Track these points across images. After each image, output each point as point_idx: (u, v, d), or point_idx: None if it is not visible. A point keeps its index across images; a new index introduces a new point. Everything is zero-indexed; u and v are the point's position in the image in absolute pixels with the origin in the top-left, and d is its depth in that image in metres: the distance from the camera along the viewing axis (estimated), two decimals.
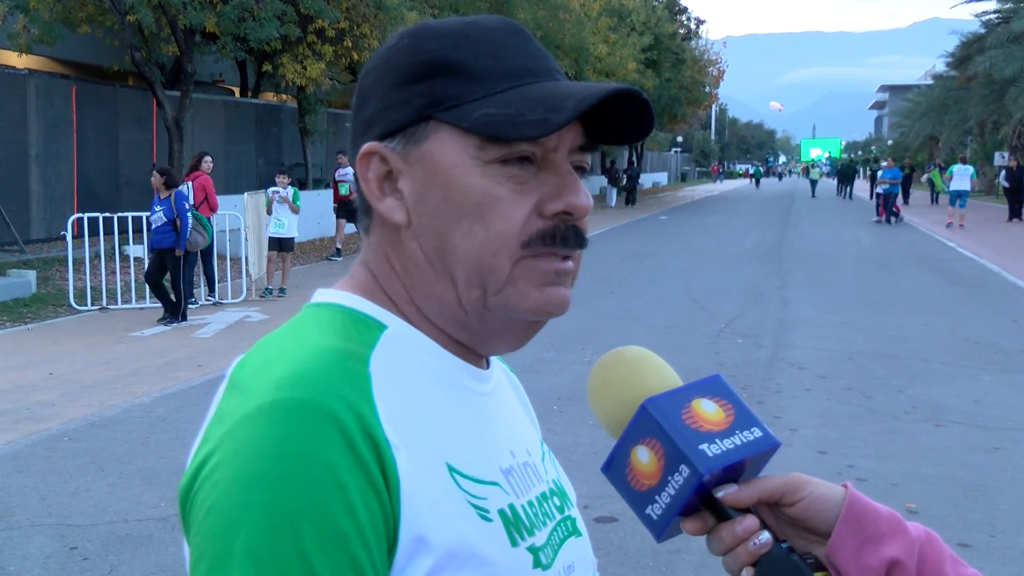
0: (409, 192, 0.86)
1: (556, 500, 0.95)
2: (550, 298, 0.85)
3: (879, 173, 29.24)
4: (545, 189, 0.84)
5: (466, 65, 0.84)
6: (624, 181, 38.71)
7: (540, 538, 0.88)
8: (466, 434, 0.86)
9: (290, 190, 12.61)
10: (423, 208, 0.85)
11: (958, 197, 24.94)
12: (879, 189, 28.57)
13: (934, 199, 37.63)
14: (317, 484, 0.72)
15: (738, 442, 0.83)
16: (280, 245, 12.55)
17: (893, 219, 27.37)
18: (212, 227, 11.43)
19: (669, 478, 0.81)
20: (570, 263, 0.86)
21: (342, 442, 0.74)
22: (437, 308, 0.87)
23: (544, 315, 0.86)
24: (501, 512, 0.84)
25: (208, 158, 12.23)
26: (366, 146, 0.87)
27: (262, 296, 12.41)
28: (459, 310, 0.86)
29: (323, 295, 0.91)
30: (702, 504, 0.83)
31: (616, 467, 0.85)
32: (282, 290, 12.45)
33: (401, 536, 0.76)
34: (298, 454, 0.72)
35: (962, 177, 25.15)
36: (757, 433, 0.84)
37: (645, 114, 0.86)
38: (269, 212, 12.47)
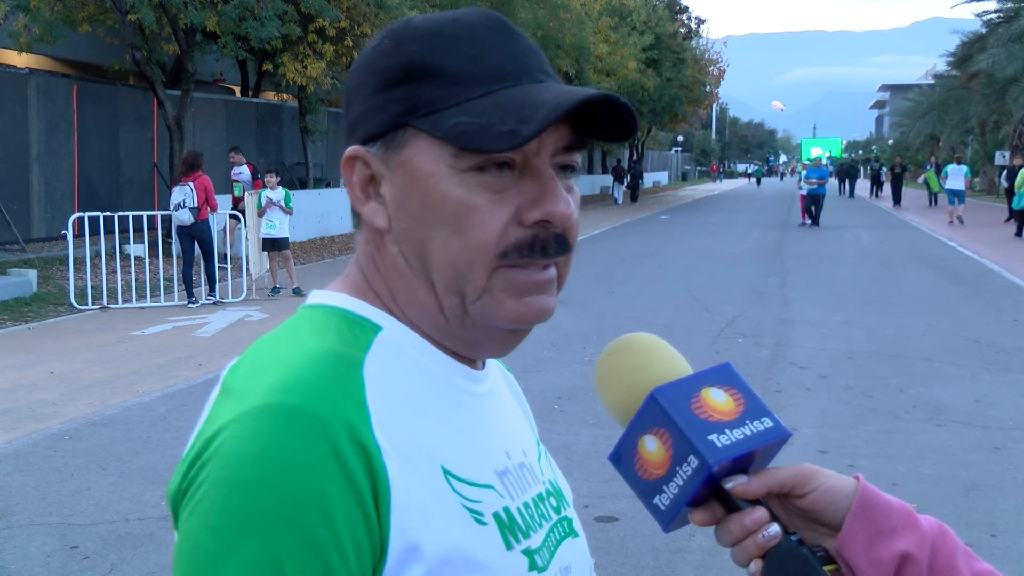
0: (390, 197, 0.85)
1: (552, 501, 0.94)
2: (529, 308, 0.84)
3: (803, 172, 26.20)
4: (525, 196, 0.83)
5: (443, 68, 0.83)
6: (628, 179, 39.84)
7: (536, 540, 0.87)
8: (460, 436, 0.85)
9: (281, 191, 12.55)
10: (403, 214, 0.85)
11: (955, 195, 25.81)
12: (803, 190, 25.76)
13: (932, 201, 36.09)
14: (296, 491, 0.71)
15: (748, 432, 0.82)
16: (275, 245, 12.52)
17: (809, 223, 25.18)
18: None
19: (677, 468, 0.80)
20: (552, 271, 0.85)
21: (327, 450, 0.73)
22: (418, 313, 0.87)
23: (523, 324, 0.85)
24: (496, 515, 0.84)
25: (202, 157, 12.15)
26: (349, 150, 0.87)
27: (270, 296, 12.42)
28: (440, 317, 0.86)
29: (317, 296, 0.91)
30: (711, 495, 0.82)
31: (624, 456, 0.84)
32: (297, 289, 12.39)
33: (391, 545, 0.75)
34: (280, 460, 0.72)
35: (956, 176, 25.98)
36: (767, 423, 0.83)
37: (625, 115, 0.84)
38: (261, 215, 12.43)
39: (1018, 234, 22.82)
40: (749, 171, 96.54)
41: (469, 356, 0.90)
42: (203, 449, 0.76)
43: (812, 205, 25.14)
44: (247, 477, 0.72)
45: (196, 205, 11.43)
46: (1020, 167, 23.96)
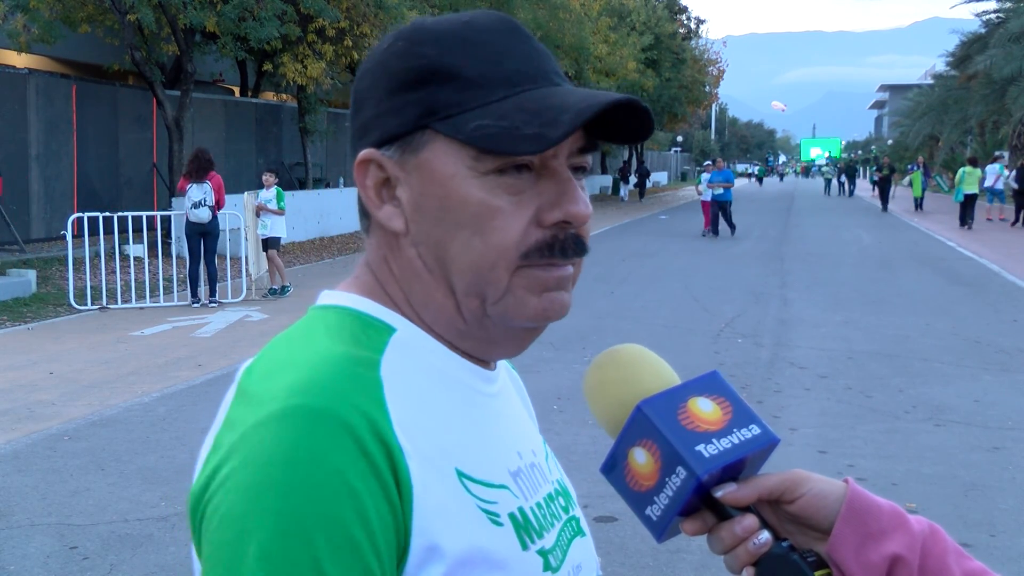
0: (407, 200, 0.85)
1: (561, 501, 0.94)
2: (550, 304, 0.84)
3: (706, 175, 22.86)
4: (544, 198, 0.83)
5: (462, 71, 0.83)
6: (636, 178, 41.68)
7: (549, 540, 0.87)
8: (475, 437, 0.85)
9: (273, 191, 12.54)
10: (421, 217, 0.84)
11: (994, 195, 26.88)
12: (706, 195, 22.41)
13: (918, 204, 32.77)
14: (329, 491, 0.72)
15: (736, 441, 0.82)
16: (265, 244, 12.51)
17: (714, 233, 22.22)
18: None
19: (667, 479, 0.81)
20: (570, 268, 0.86)
21: (355, 449, 0.73)
22: (435, 315, 0.87)
23: (544, 321, 0.86)
24: (511, 516, 0.84)
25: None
26: (363, 153, 0.86)
27: (265, 296, 12.41)
28: (458, 318, 0.86)
29: (328, 297, 0.90)
30: (702, 503, 0.83)
31: (615, 468, 0.85)
32: (284, 288, 12.37)
33: (413, 544, 0.75)
34: (310, 461, 0.72)
35: (992, 176, 26.83)
36: (755, 430, 0.84)
37: (644, 118, 0.85)
38: (257, 215, 12.45)
39: (962, 223, 23.78)
40: (750, 171, 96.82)
41: (484, 357, 0.90)
42: (227, 455, 0.75)
43: (719, 212, 22.17)
44: (279, 480, 0.72)
45: (213, 203, 11.43)
46: (966, 165, 25.30)
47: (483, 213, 0.82)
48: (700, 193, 23.12)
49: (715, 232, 22.25)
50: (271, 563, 0.71)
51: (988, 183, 26.51)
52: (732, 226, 22.36)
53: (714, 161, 24.50)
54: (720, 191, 21.92)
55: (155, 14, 16.03)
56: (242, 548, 0.72)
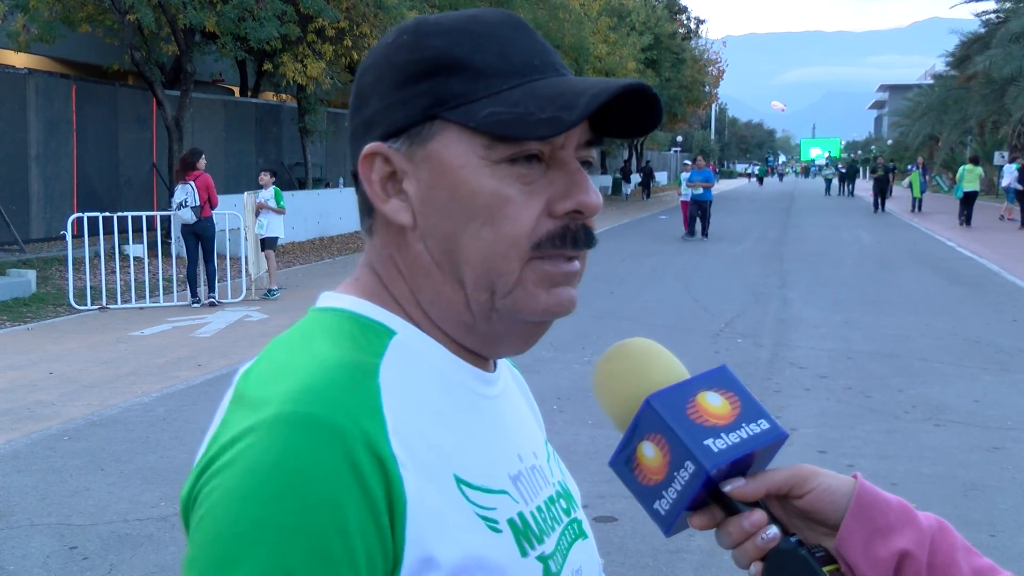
0: (415, 193, 0.84)
1: (563, 503, 0.94)
2: (559, 299, 0.84)
3: (685, 175, 22.08)
4: (554, 188, 0.82)
5: (471, 62, 0.82)
6: (640, 178, 42.73)
7: (549, 545, 0.87)
8: (475, 442, 0.84)
9: (271, 190, 12.55)
10: (429, 209, 0.83)
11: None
12: (685, 195, 21.70)
13: (915, 206, 32.06)
14: (312, 503, 0.70)
15: (744, 435, 0.82)
16: (262, 244, 12.52)
17: (698, 234, 21.56)
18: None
19: (675, 474, 0.81)
20: (577, 263, 0.85)
21: (344, 461, 0.72)
22: (443, 311, 0.85)
23: (552, 316, 0.85)
24: (510, 522, 0.83)
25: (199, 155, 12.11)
26: (368, 147, 0.85)
27: (264, 297, 12.41)
28: (466, 313, 0.84)
29: (328, 299, 0.89)
30: (710, 498, 0.82)
31: (623, 462, 0.84)
32: (270, 291, 12.31)
33: (406, 556, 0.74)
34: (296, 471, 0.71)
35: (1008, 175, 27.03)
36: (764, 425, 0.83)
37: (653, 108, 0.84)
38: (258, 213, 12.45)
39: (967, 222, 24.06)
40: (750, 171, 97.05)
41: (489, 354, 0.89)
42: (216, 457, 0.75)
43: (698, 213, 21.40)
44: (262, 487, 0.71)
45: (198, 204, 11.41)
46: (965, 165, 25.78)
47: (494, 203, 0.81)
48: (680, 194, 22.53)
49: (691, 233, 21.54)
50: (240, 569, 0.70)
51: (1004, 183, 26.67)
52: (706, 228, 21.57)
53: (694, 160, 23.19)
54: (700, 191, 21.24)
55: (155, 14, 16.03)
56: (217, 552, 0.71)
